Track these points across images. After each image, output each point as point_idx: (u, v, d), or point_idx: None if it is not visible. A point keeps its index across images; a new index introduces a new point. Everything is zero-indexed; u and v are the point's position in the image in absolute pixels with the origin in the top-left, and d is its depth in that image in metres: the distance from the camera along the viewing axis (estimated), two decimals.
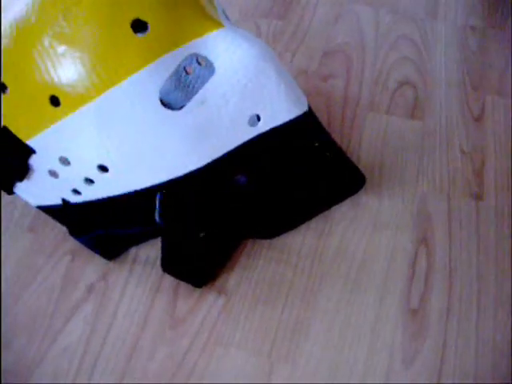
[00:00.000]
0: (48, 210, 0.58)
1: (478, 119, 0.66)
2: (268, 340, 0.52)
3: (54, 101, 0.47)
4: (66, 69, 0.46)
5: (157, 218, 0.52)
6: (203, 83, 0.67)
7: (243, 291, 0.55)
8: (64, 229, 0.61)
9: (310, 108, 0.51)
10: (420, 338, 0.52)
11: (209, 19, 0.47)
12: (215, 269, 0.56)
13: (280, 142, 0.50)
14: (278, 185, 0.54)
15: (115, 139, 0.48)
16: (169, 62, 0.46)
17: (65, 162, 0.51)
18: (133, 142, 0.48)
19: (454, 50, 0.74)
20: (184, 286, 0.56)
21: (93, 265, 0.58)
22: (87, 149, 0.49)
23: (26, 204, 0.64)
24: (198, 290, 0.56)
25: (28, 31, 0.47)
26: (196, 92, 0.68)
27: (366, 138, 0.65)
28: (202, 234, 0.54)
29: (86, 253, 0.59)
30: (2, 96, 0.50)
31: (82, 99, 0.47)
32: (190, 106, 0.47)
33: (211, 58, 0.47)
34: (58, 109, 0.47)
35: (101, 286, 0.57)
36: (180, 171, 0.50)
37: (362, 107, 0.68)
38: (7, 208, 0.65)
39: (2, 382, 0.53)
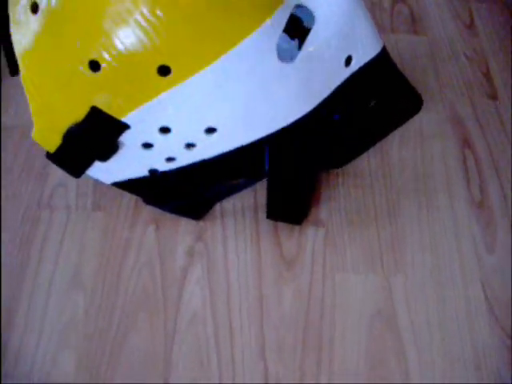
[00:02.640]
0: (125, 184, 0.56)
1: (470, 26, 0.73)
2: (376, 258, 0.57)
3: (163, 70, 0.46)
4: (179, 35, 0.44)
5: (267, 166, 0.53)
6: None
7: (337, 220, 0.59)
8: (132, 200, 0.60)
9: None
10: (492, 226, 0.60)
11: None
12: (309, 204, 0.59)
13: (368, 76, 0.53)
14: (357, 117, 0.57)
15: (229, 100, 0.47)
16: (281, 17, 0.46)
17: (165, 131, 0.50)
18: (247, 99, 0.48)
19: None
20: (281, 227, 0.58)
21: (182, 228, 0.58)
22: (196, 114, 0.48)
23: (79, 183, 0.60)
24: (297, 228, 0.58)
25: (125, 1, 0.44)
26: None
27: None
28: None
29: (170, 218, 0.58)
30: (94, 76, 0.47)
31: (196, 66, 0.45)
32: (301, 55, 0.48)
33: (311, 6, 0.48)
34: (166, 78, 0.46)
35: (200, 247, 0.57)
36: (288, 120, 0.51)
37: None
38: (57, 191, 0.61)
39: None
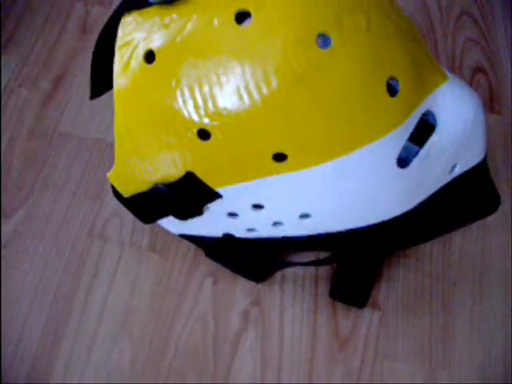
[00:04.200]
0: (192, 237, 0.54)
1: None
2: (426, 349, 0.57)
3: (280, 157, 0.43)
4: (306, 127, 0.41)
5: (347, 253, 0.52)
6: None
7: (393, 304, 0.58)
8: (191, 248, 0.57)
9: None
10: None
11: (438, 70, 0.45)
12: (373, 286, 0.58)
13: (463, 181, 0.50)
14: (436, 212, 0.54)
15: (336, 196, 0.45)
16: (411, 124, 0.44)
17: (258, 207, 0.48)
18: (353, 198, 0.45)
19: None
20: (339, 304, 0.57)
21: (240, 288, 0.56)
22: (297, 201, 0.46)
23: (135, 220, 0.57)
24: (353, 307, 0.57)
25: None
26: None
27: None
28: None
29: (229, 274, 0.56)
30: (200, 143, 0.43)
31: (317, 160, 0.43)
32: (416, 161, 0.45)
33: (437, 113, 0.45)
34: (280, 165, 0.43)
35: (256, 312, 0.55)
36: (384, 217, 0.49)
37: None
38: (112, 221, 0.58)
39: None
